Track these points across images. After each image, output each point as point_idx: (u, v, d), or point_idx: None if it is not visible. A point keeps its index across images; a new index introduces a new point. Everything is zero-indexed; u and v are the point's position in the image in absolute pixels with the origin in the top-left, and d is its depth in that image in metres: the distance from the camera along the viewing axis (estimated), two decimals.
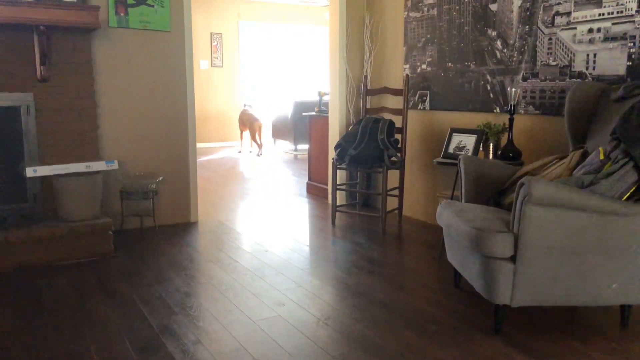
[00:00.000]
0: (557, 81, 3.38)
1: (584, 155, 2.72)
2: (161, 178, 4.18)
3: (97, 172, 3.73)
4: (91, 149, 3.89)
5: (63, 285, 3.05)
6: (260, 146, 9.00)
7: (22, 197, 3.68)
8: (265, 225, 4.43)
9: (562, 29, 3.32)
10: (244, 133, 9.32)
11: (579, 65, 3.25)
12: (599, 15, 3.12)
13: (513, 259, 2.33)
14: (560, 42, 3.33)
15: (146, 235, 4.06)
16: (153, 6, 4.07)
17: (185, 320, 2.60)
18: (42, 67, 3.59)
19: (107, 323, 2.56)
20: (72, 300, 2.84)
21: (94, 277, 3.20)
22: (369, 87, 4.76)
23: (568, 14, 3.28)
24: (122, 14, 3.98)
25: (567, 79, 3.31)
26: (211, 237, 4.06)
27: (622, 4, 3.01)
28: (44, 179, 3.65)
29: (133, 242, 3.90)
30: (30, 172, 3.53)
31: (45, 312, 2.69)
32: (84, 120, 3.85)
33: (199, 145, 9.34)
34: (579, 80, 3.24)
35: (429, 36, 4.34)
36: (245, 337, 2.42)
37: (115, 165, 3.84)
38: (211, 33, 10.04)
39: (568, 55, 3.30)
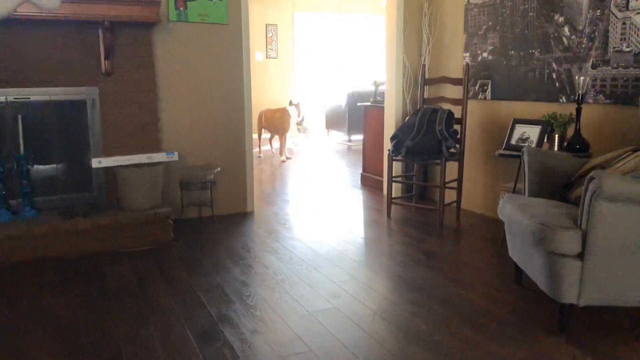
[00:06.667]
0: (631, 68, 3.18)
1: None
2: (219, 169, 4.25)
3: (159, 163, 3.83)
4: (152, 140, 4.00)
5: (126, 273, 3.16)
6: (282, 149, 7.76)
7: (88, 187, 3.84)
8: (319, 217, 4.43)
9: (638, 13, 3.11)
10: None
11: None
12: None
13: (581, 256, 2.22)
14: (635, 26, 3.12)
15: (204, 225, 4.15)
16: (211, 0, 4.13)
17: (243, 309, 2.63)
18: (106, 61, 3.72)
19: (168, 310, 2.64)
20: (135, 287, 2.94)
21: (155, 264, 3.29)
22: (427, 77, 4.65)
23: None
24: (181, 8, 4.05)
25: None
26: (267, 228, 4.10)
27: None
28: (107, 169, 3.79)
29: (192, 231, 4.00)
30: (95, 163, 3.67)
31: (109, 298, 2.79)
32: (146, 112, 3.96)
33: (253, 136, 9.41)
34: None
35: (490, 23, 4.19)
36: (301, 328, 2.43)
37: (175, 157, 3.93)
38: (266, 24, 10.10)
39: None
